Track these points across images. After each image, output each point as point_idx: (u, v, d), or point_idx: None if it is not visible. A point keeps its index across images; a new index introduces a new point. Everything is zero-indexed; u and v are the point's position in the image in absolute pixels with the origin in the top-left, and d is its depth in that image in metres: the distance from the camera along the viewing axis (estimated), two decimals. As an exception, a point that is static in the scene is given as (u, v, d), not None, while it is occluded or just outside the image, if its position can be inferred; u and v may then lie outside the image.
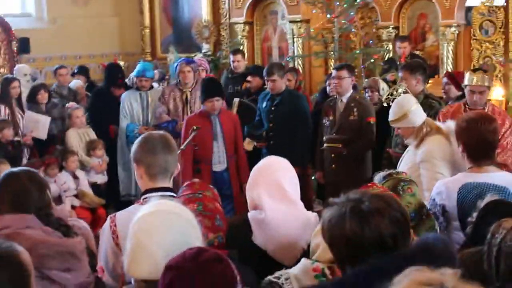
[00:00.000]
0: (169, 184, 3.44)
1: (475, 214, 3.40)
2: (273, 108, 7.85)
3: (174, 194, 3.41)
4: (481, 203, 3.42)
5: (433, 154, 5.01)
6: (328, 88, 8.25)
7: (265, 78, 7.92)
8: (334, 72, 7.55)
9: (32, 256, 2.81)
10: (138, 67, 8.93)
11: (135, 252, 2.49)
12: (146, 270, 2.47)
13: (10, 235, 2.95)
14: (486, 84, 6.09)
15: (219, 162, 7.22)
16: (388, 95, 6.34)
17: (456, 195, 3.98)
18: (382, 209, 2.29)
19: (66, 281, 3.06)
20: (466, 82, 6.16)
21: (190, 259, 2.21)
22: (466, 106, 6.12)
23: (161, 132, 3.63)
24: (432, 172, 4.88)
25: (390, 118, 5.47)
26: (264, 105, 7.98)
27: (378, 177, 3.75)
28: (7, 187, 3.18)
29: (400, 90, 6.26)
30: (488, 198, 3.45)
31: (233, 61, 9.85)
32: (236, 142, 7.33)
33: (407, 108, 5.32)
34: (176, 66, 8.47)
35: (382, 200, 2.35)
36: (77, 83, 10.26)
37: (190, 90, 8.25)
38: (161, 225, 2.49)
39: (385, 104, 6.37)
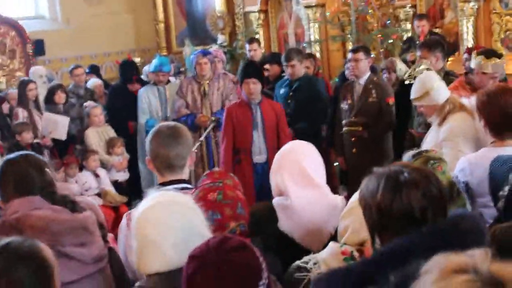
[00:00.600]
0: (183, 175, 3.43)
1: (507, 188, 3.32)
2: (291, 94, 7.77)
3: (189, 186, 3.41)
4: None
5: (455, 132, 4.90)
6: (347, 72, 8.15)
7: (284, 64, 7.85)
8: (350, 55, 7.46)
9: (46, 234, 2.90)
10: (155, 62, 8.90)
11: (142, 247, 2.48)
12: (156, 263, 2.46)
13: (20, 218, 3.01)
14: (501, 72, 5.91)
15: (260, 152, 6.96)
16: (410, 72, 6.24)
17: (485, 169, 3.88)
18: (418, 182, 2.26)
19: (82, 256, 3.09)
20: (476, 67, 5.88)
21: (214, 248, 2.15)
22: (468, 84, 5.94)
23: (172, 123, 3.61)
24: (455, 150, 4.73)
25: (412, 96, 5.35)
26: (281, 91, 7.90)
27: (408, 156, 3.67)
28: (8, 173, 3.22)
29: (422, 67, 6.15)
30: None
31: (250, 50, 9.79)
32: (279, 134, 7.01)
33: (429, 85, 5.20)
34: (193, 58, 8.42)
35: (422, 173, 2.32)
36: (94, 81, 10.26)
37: (207, 82, 8.19)
38: (163, 216, 2.48)
39: (407, 82, 6.27)
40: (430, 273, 1.50)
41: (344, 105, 7.47)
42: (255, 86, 6.85)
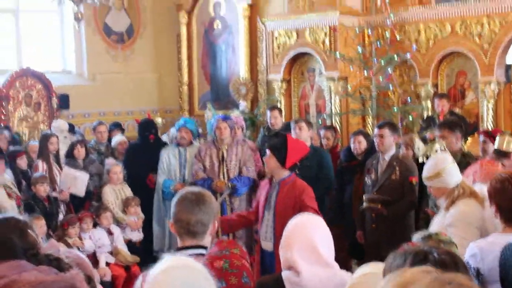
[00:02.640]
0: (203, 242, 3.45)
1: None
2: (297, 163, 7.84)
3: (205, 252, 3.42)
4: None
5: (461, 219, 4.85)
6: (352, 146, 8.25)
7: (292, 126, 8.06)
8: (376, 130, 7.51)
9: None
10: (180, 120, 9.05)
11: None
12: None
13: (8, 284, 2.98)
14: None
15: (265, 238, 6.31)
16: (426, 150, 6.24)
17: (496, 256, 3.91)
18: (447, 264, 2.28)
19: None
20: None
21: None
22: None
23: (198, 189, 3.65)
24: (459, 238, 4.50)
25: (424, 174, 5.31)
26: None
27: (417, 237, 3.68)
28: None
29: (437, 146, 6.15)
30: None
31: (270, 118, 9.91)
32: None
33: (442, 166, 5.15)
34: (213, 122, 8.55)
35: (451, 257, 2.36)
36: (120, 138, 10.32)
37: (226, 147, 8.29)
38: (174, 282, 2.46)
39: (420, 160, 6.28)
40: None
41: (367, 180, 7.48)
42: (269, 160, 6.33)
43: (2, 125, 10.77)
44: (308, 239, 3.58)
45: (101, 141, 10.09)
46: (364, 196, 7.37)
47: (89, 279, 3.28)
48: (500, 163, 6.11)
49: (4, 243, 3.15)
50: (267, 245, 6.21)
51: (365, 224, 7.55)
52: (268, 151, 6.29)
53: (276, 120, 9.81)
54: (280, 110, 10.33)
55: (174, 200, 3.51)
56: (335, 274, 3.62)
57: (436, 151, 5.80)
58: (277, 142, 6.35)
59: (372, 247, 7.31)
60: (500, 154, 6.37)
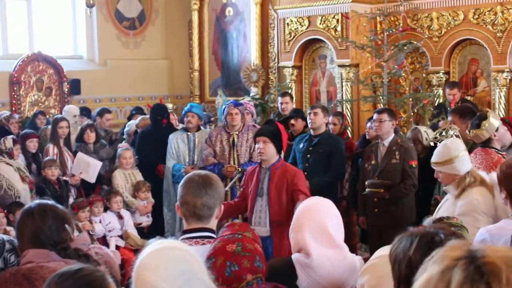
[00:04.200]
0: (208, 225, 3.44)
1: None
2: (310, 149, 7.89)
3: (213, 235, 3.41)
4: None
5: (475, 208, 4.77)
6: (370, 131, 8.23)
7: (308, 111, 8.02)
8: (375, 116, 7.54)
9: None
10: (187, 106, 9.04)
11: None
12: None
13: (33, 269, 3.04)
14: None
15: (259, 224, 6.26)
16: (437, 134, 6.17)
17: (507, 241, 3.87)
18: None
19: None
20: None
21: None
22: None
23: (205, 172, 3.62)
24: (472, 227, 4.37)
25: (434, 159, 5.19)
26: (301, 146, 8.02)
27: (428, 222, 3.65)
28: (24, 225, 3.27)
29: (450, 132, 6.07)
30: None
31: (281, 103, 9.86)
32: (287, 206, 6.12)
33: (455, 153, 5.05)
34: (224, 108, 8.54)
35: (458, 238, 2.34)
36: (132, 124, 10.27)
37: (237, 133, 8.28)
38: (163, 262, 2.45)
39: (432, 144, 6.21)
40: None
41: (367, 166, 7.52)
42: (265, 145, 6.24)
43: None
44: (319, 221, 3.57)
45: (100, 126, 10.09)
46: (366, 182, 7.40)
47: (114, 280, 3.29)
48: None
49: (37, 232, 3.20)
50: (261, 230, 6.11)
51: (367, 209, 7.58)
52: (266, 139, 6.21)
53: (287, 106, 9.75)
54: (291, 96, 10.28)
55: (181, 182, 3.51)
56: (345, 256, 3.62)
57: (450, 136, 5.69)
58: (273, 130, 6.32)
59: (374, 231, 7.39)
60: None
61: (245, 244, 3.09)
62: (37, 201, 3.44)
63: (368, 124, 8.36)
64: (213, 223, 3.47)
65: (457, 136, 5.65)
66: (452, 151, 5.08)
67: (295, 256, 3.61)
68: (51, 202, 3.45)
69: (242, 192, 6.57)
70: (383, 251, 3.04)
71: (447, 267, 1.56)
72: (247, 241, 3.11)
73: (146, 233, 8.59)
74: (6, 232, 6.73)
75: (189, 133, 8.76)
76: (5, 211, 7.22)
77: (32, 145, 8.79)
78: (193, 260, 2.53)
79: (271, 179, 6.22)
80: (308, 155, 7.88)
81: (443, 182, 5.20)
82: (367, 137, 8.32)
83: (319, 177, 7.68)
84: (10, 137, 8.25)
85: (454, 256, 1.59)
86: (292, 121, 8.85)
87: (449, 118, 7.10)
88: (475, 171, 5.10)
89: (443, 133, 5.78)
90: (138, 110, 11.33)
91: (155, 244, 2.55)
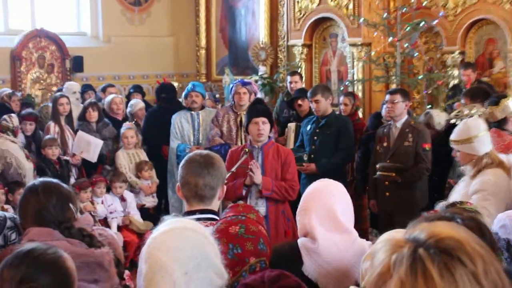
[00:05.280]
0: (211, 206, 3.42)
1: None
2: (317, 131, 7.79)
3: (216, 217, 3.38)
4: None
5: (487, 188, 4.76)
6: (383, 112, 8.09)
7: (309, 98, 7.90)
8: (387, 96, 7.45)
9: None
10: (188, 85, 8.97)
11: (152, 273, 2.42)
12: None
13: None
14: None
15: (256, 204, 6.22)
16: (458, 112, 6.09)
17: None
18: (472, 230, 2.18)
19: None
20: None
21: (269, 281, 2.14)
22: None
23: (206, 152, 3.59)
24: (479, 206, 4.35)
25: (453, 137, 5.20)
26: (308, 128, 7.93)
27: (441, 206, 3.60)
28: (28, 202, 3.27)
29: (474, 111, 6.00)
30: None
31: (290, 82, 9.77)
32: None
33: (475, 133, 5.05)
34: (232, 87, 8.46)
35: (476, 223, 2.31)
36: (136, 104, 10.21)
37: (244, 113, 8.18)
38: (176, 242, 2.43)
39: (453, 121, 6.15)
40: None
41: (379, 148, 7.45)
42: (263, 126, 6.25)
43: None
44: (326, 204, 3.51)
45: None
46: (377, 165, 7.33)
47: (118, 261, 3.28)
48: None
49: (41, 210, 3.21)
50: (259, 210, 6.01)
51: (378, 193, 7.50)
52: (264, 119, 6.22)
53: (296, 85, 9.65)
54: (300, 76, 10.20)
55: (182, 163, 3.48)
56: (354, 241, 3.54)
57: (473, 115, 5.62)
58: (267, 109, 6.46)
59: (385, 215, 7.33)
60: None
61: (249, 226, 3.05)
62: (41, 179, 3.44)
63: (384, 107, 8.18)
64: (215, 204, 3.45)
65: (481, 115, 5.60)
66: (472, 131, 5.07)
67: (301, 241, 3.55)
68: (55, 180, 3.45)
69: (231, 175, 6.29)
70: (388, 235, 2.97)
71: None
72: (250, 223, 3.07)
73: (153, 214, 8.55)
74: (4, 209, 6.69)
75: (193, 112, 8.69)
76: (6, 188, 7.18)
77: (29, 128, 8.65)
78: (207, 242, 2.51)
79: (265, 157, 6.26)
80: (315, 137, 7.79)
81: (461, 162, 5.20)
82: (383, 116, 8.12)
83: (327, 159, 7.60)
84: (14, 115, 8.21)
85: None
86: (299, 102, 8.75)
87: (462, 101, 7.05)
88: (494, 153, 5.09)
89: (466, 111, 5.72)
90: (137, 89, 11.24)
91: (170, 222, 2.54)
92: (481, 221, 2.37)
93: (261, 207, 6.23)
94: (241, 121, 8.15)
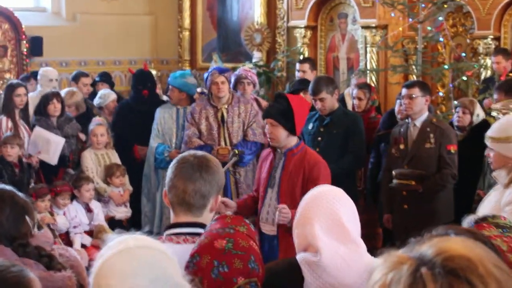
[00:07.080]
0: (201, 218, 3.41)
1: None
2: (321, 130, 7.75)
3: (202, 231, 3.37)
4: None
5: None
6: (398, 109, 8.09)
7: (311, 97, 7.80)
8: (403, 90, 7.42)
9: None
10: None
11: None
12: None
13: None
14: None
15: (267, 220, 6.16)
16: (505, 107, 6.10)
17: None
18: None
19: None
20: None
21: None
22: None
23: (202, 153, 3.58)
24: None
25: (489, 133, 5.15)
26: (310, 126, 7.82)
27: (469, 221, 3.60)
28: None
29: None
30: None
31: (298, 71, 9.77)
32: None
33: None
34: (207, 76, 8.33)
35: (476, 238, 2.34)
36: (108, 94, 10.23)
37: (226, 106, 8.16)
38: (132, 264, 2.39)
39: (493, 114, 6.16)
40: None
41: (395, 151, 7.44)
42: (274, 129, 6.03)
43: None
44: (331, 210, 3.54)
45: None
46: (393, 172, 7.31)
47: (81, 286, 3.27)
48: None
49: None
50: (269, 228, 6.11)
51: (394, 205, 7.49)
52: (272, 121, 5.99)
53: (305, 75, 9.64)
54: (312, 63, 10.19)
55: (172, 162, 3.47)
56: (362, 254, 3.58)
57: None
58: (282, 108, 6.03)
59: (402, 231, 7.16)
60: None
61: (238, 240, 3.06)
62: None
63: (398, 102, 8.17)
64: (206, 217, 3.44)
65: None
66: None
67: (300, 256, 3.57)
68: (8, 187, 3.43)
69: (257, 180, 6.43)
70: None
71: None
72: (240, 237, 3.08)
73: (126, 227, 8.54)
74: None
75: (179, 108, 8.70)
76: None
77: None
78: (165, 259, 2.47)
79: (284, 167, 6.05)
80: (319, 138, 7.76)
81: (493, 165, 5.16)
82: (398, 117, 8.13)
83: (333, 164, 7.59)
84: None
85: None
86: (301, 94, 8.77)
87: (495, 96, 7.07)
88: None
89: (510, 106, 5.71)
90: (104, 77, 11.27)
91: (118, 242, 2.48)
92: (484, 237, 2.42)
93: (271, 225, 6.10)
94: (222, 116, 8.13)
